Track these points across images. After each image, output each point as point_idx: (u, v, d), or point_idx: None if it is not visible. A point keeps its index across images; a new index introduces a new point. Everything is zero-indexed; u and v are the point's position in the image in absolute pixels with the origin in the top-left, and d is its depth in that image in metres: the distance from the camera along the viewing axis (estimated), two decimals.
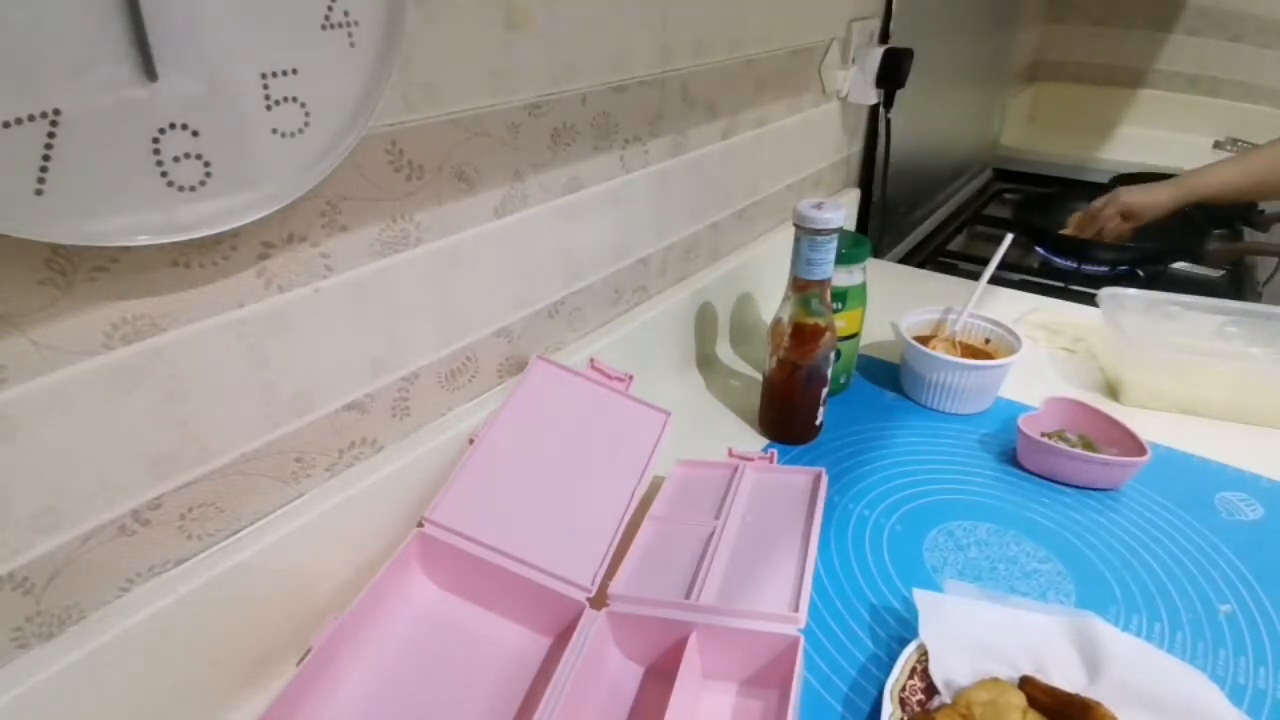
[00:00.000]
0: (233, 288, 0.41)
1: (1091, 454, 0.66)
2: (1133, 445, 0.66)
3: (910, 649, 0.47)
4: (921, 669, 0.46)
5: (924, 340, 0.78)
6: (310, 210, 0.43)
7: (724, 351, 0.87)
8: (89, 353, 0.36)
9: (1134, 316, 0.83)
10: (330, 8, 0.38)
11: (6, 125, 0.29)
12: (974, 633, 0.47)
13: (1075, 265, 1.23)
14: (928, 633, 0.47)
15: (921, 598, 0.49)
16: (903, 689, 0.45)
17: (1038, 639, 0.47)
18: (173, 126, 0.34)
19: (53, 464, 0.36)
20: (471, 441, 0.54)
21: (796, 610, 0.45)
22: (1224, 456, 0.69)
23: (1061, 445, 0.66)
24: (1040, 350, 0.87)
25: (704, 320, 0.82)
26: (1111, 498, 0.65)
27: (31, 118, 0.30)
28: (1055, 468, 0.66)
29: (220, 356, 0.41)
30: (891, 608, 0.54)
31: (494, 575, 0.48)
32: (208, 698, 0.44)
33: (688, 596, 0.48)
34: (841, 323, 0.74)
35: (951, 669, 0.46)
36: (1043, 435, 0.68)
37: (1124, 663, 0.45)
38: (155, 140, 0.33)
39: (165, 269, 0.37)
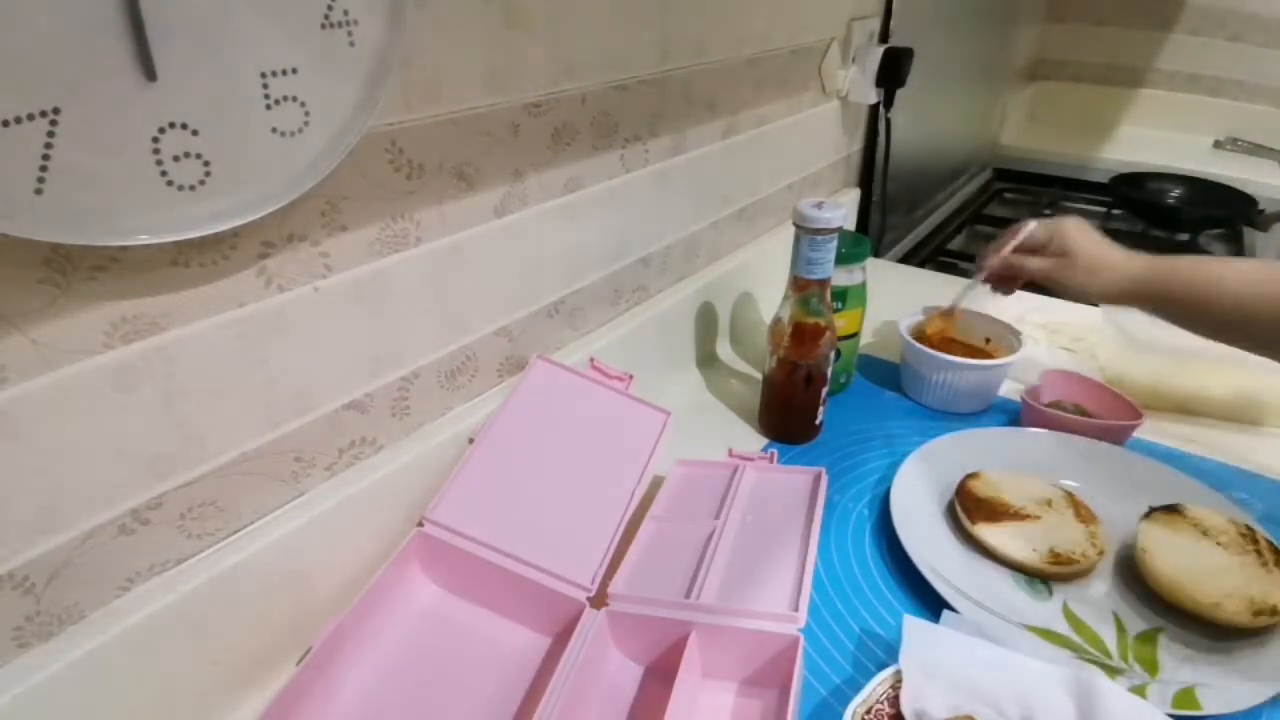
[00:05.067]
0: (233, 287, 0.41)
1: (1090, 420, 0.69)
2: (1126, 410, 0.69)
3: (886, 673, 0.45)
4: (894, 695, 0.44)
5: (923, 334, 0.78)
6: (310, 210, 0.43)
7: (724, 351, 0.87)
8: (89, 352, 0.36)
9: (1134, 316, 0.83)
10: (330, 7, 0.38)
11: (6, 124, 0.29)
12: (960, 668, 0.45)
13: None
14: (907, 660, 0.45)
15: (911, 624, 0.47)
16: (868, 711, 0.43)
17: (1030, 685, 0.44)
18: (172, 126, 0.34)
19: (53, 464, 0.36)
20: (471, 441, 0.53)
21: (796, 610, 0.45)
22: (1224, 456, 0.69)
23: (1063, 414, 0.69)
24: (1040, 350, 0.87)
25: (704, 320, 0.82)
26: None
27: (31, 117, 0.30)
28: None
29: (220, 356, 0.41)
30: (891, 607, 0.54)
31: (494, 575, 0.48)
32: (208, 698, 0.44)
33: (687, 596, 0.48)
34: (841, 322, 0.74)
35: (926, 700, 0.43)
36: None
37: None
38: (155, 140, 0.33)
39: (165, 268, 0.37)
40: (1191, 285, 0.62)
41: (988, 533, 0.57)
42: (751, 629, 0.45)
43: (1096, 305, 0.72)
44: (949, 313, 0.79)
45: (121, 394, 0.37)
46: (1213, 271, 0.62)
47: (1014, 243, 0.71)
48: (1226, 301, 0.60)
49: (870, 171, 1.13)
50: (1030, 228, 0.71)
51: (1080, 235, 0.68)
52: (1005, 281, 0.74)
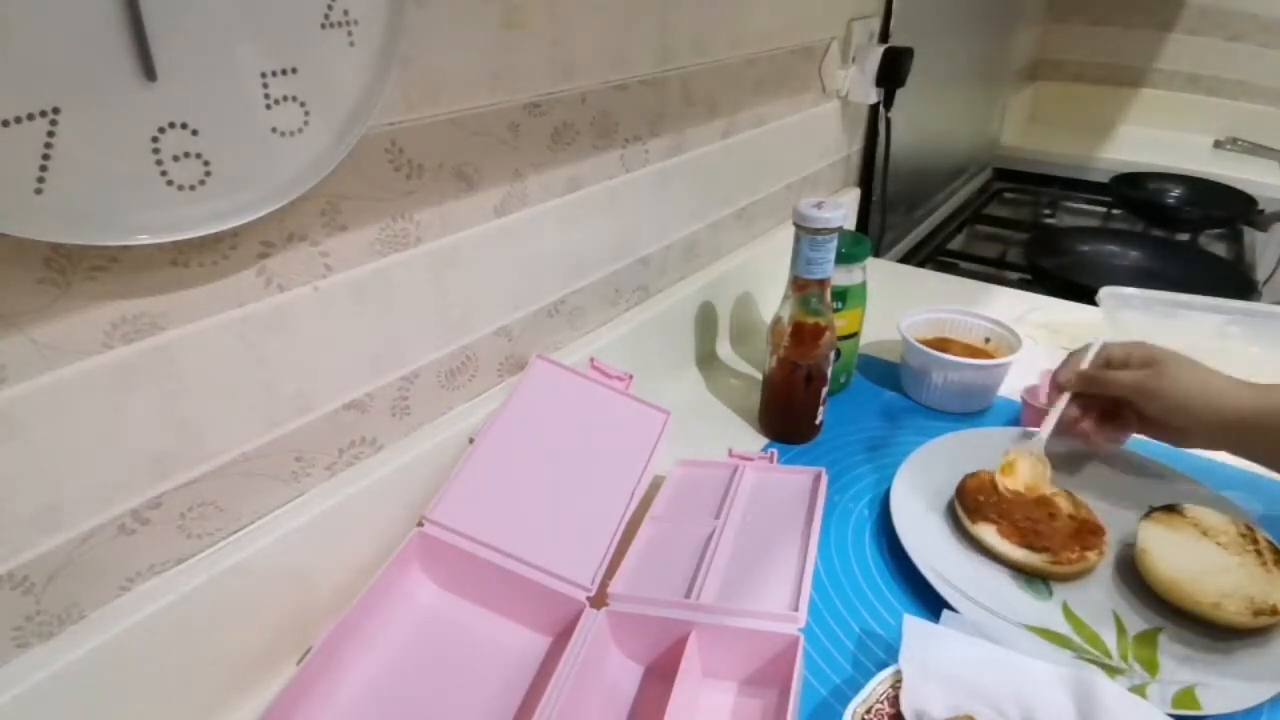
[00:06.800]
0: (233, 287, 0.41)
1: None
2: None
3: (886, 673, 0.45)
4: (894, 695, 0.44)
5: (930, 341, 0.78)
6: (310, 210, 0.43)
7: (724, 351, 0.87)
8: (89, 352, 0.36)
9: (1134, 315, 0.83)
10: (330, 7, 0.38)
11: (6, 124, 0.29)
12: (959, 668, 0.45)
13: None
14: (907, 660, 0.45)
15: (911, 624, 0.47)
16: (868, 711, 0.43)
17: (1029, 684, 0.44)
18: (172, 126, 0.34)
19: (53, 463, 0.36)
20: (472, 441, 0.53)
21: (796, 609, 0.45)
22: (1224, 456, 0.69)
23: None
24: (1040, 350, 0.87)
25: (704, 320, 0.82)
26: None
27: (31, 116, 0.30)
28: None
29: (220, 355, 0.41)
30: (891, 607, 0.54)
31: (494, 575, 0.48)
32: (208, 698, 0.44)
33: (688, 596, 0.48)
34: (841, 322, 0.74)
35: (926, 700, 0.43)
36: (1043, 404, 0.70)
37: None
38: (155, 139, 0.33)
39: (165, 268, 0.37)
40: None
41: (988, 533, 0.57)
42: (751, 629, 0.45)
43: (1189, 443, 0.58)
44: (1033, 453, 0.62)
45: (121, 394, 0.37)
46: None
47: (1089, 358, 0.62)
48: None
49: (870, 171, 1.13)
50: (1099, 343, 0.63)
51: (1166, 350, 0.58)
52: (1087, 411, 0.62)
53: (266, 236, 0.41)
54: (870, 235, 1.14)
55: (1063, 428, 0.62)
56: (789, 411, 0.71)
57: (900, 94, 1.03)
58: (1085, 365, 0.62)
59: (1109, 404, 0.61)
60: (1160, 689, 0.46)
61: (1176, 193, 1.57)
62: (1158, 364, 0.58)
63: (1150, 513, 0.57)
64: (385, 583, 0.46)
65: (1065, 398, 0.62)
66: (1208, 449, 0.57)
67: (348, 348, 0.48)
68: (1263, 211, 1.45)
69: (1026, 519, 0.58)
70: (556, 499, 0.53)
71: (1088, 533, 0.57)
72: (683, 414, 0.63)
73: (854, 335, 0.78)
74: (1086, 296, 0.94)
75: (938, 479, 0.64)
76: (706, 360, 0.85)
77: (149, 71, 0.32)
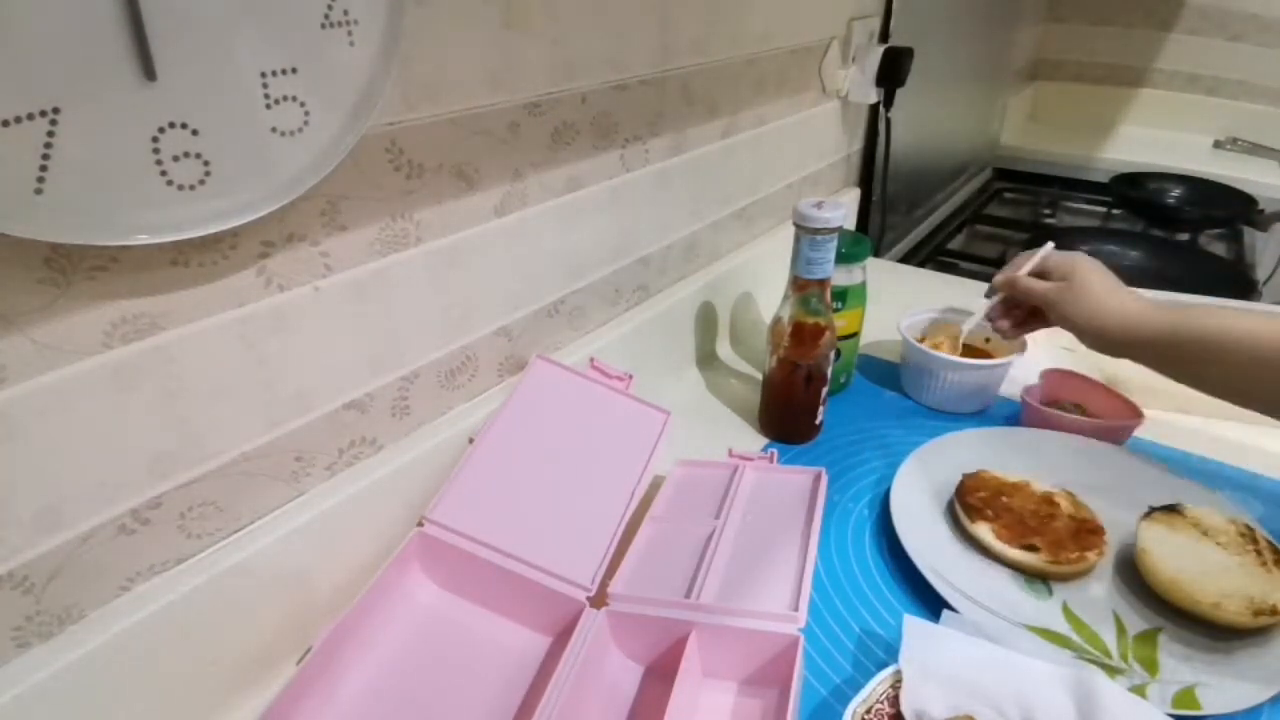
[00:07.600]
0: (233, 287, 0.41)
1: (1090, 419, 0.68)
2: (1126, 409, 0.69)
3: (886, 673, 0.45)
4: (894, 695, 0.44)
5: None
6: (310, 209, 0.43)
7: (724, 351, 0.87)
8: (89, 352, 0.36)
9: None
10: (330, 7, 0.38)
11: (6, 124, 0.29)
12: (959, 667, 0.45)
13: None
14: (907, 660, 0.45)
15: (911, 624, 0.47)
16: (868, 711, 0.43)
17: (1029, 684, 0.44)
18: (172, 125, 0.34)
19: (53, 463, 0.36)
20: (471, 441, 0.53)
21: (796, 609, 0.45)
22: (1224, 456, 0.69)
23: (1063, 414, 0.69)
24: (1040, 350, 0.87)
25: (704, 320, 0.82)
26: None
27: (31, 116, 0.30)
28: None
29: (220, 355, 0.41)
30: (891, 607, 0.54)
31: (494, 575, 0.48)
32: (208, 698, 0.44)
33: (687, 596, 0.48)
34: (841, 322, 0.74)
35: (926, 700, 0.43)
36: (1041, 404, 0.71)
37: None
38: (155, 139, 0.33)
39: (165, 268, 0.37)
40: (1201, 337, 0.54)
41: (987, 533, 0.57)
42: (751, 629, 0.45)
43: (1089, 345, 0.62)
44: (954, 337, 0.76)
45: (121, 394, 0.37)
46: (1225, 323, 0.53)
47: (1030, 264, 0.66)
48: (1236, 358, 0.53)
49: (870, 171, 1.13)
50: (1047, 249, 0.66)
51: (1089, 266, 0.62)
52: (1011, 311, 0.68)
53: (266, 236, 0.41)
54: (870, 235, 1.14)
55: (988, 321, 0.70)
56: (789, 411, 0.71)
57: (900, 94, 1.03)
58: (1026, 270, 0.66)
59: (1034, 307, 0.65)
60: (1160, 689, 0.46)
61: (1176, 193, 1.57)
62: (1072, 278, 0.61)
63: (1150, 513, 0.57)
64: (385, 583, 0.46)
65: (994, 300, 0.68)
66: (1114, 357, 0.61)
67: (348, 348, 0.48)
68: (1263, 211, 1.45)
69: (1026, 518, 0.58)
70: (556, 499, 0.53)
71: (1087, 533, 0.57)
72: (683, 414, 0.63)
73: (854, 335, 0.78)
74: None
75: (938, 479, 0.64)
76: (706, 360, 0.85)
77: (149, 71, 0.32)
